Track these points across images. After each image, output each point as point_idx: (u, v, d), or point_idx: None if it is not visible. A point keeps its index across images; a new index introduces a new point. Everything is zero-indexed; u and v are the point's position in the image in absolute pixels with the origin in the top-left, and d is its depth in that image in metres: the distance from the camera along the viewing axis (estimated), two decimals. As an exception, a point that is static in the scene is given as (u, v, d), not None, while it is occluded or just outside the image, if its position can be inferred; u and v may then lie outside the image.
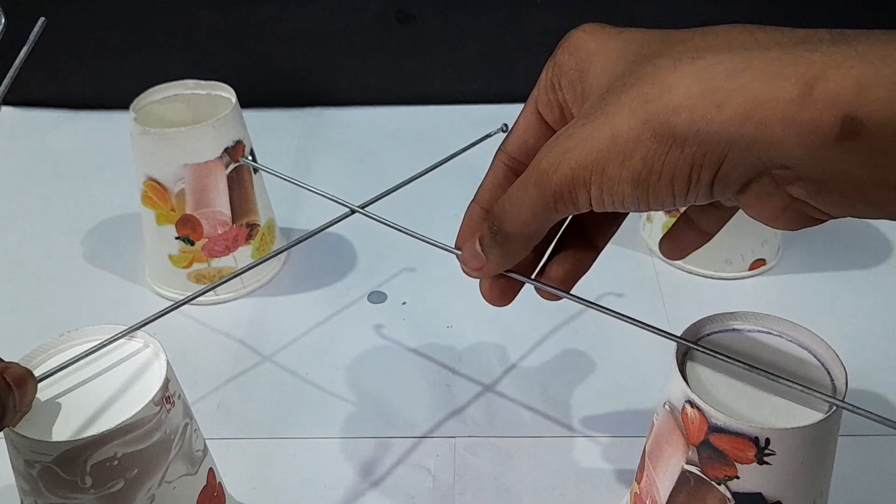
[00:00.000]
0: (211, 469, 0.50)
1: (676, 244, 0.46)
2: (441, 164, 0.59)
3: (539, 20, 0.98)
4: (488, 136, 0.60)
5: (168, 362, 0.45)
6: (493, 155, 0.43)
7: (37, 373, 0.42)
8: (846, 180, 0.29)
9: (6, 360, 0.42)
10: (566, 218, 0.42)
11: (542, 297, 0.44)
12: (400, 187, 0.57)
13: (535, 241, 0.39)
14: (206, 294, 0.74)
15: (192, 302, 0.72)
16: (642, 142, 0.31)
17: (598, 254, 0.44)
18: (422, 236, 0.50)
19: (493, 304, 0.44)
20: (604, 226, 0.44)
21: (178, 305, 0.48)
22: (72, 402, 0.43)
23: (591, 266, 0.44)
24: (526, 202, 0.36)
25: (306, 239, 0.53)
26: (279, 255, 0.78)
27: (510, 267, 0.42)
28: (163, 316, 0.47)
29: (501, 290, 0.44)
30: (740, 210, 0.75)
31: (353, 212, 0.54)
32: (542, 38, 0.98)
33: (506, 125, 0.62)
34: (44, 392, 0.43)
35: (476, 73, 1.02)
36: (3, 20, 0.51)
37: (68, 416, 0.42)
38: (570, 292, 0.44)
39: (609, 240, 0.44)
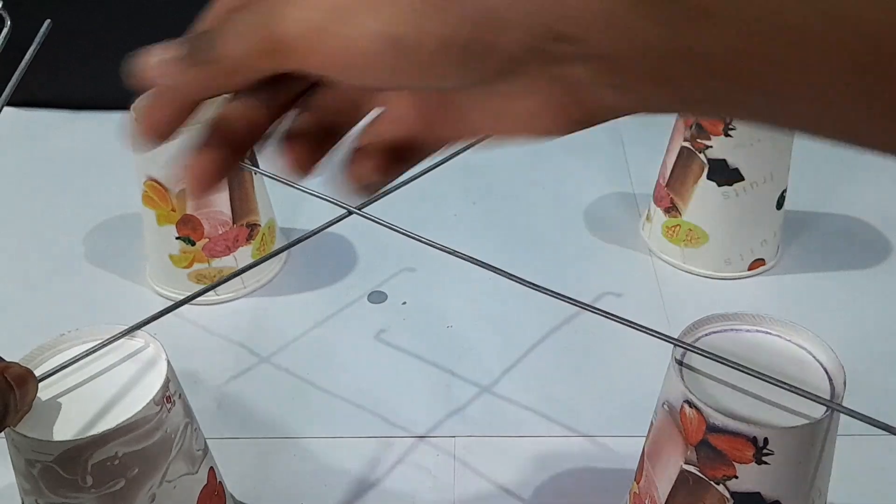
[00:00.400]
0: (211, 468, 0.50)
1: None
2: (441, 163, 0.59)
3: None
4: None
5: (168, 362, 0.45)
6: None
7: (37, 372, 0.43)
8: (643, 51, 0.23)
9: (7, 360, 0.42)
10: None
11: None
12: (399, 187, 0.57)
13: (245, 81, 0.30)
14: (207, 294, 0.74)
15: (193, 302, 0.72)
16: None
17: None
18: (419, 237, 0.50)
19: (197, 190, 0.33)
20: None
21: (178, 305, 0.48)
22: (72, 402, 0.43)
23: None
24: (248, 29, 0.28)
25: (306, 239, 0.53)
26: (279, 255, 0.79)
27: (200, 97, 0.31)
28: (163, 316, 0.47)
29: (209, 168, 0.33)
30: (739, 210, 0.74)
31: (350, 213, 0.54)
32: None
33: None
34: (44, 392, 0.43)
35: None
36: (8, 23, 0.52)
37: (69, 415, 0.42)
38: (568, 295, 0.44)
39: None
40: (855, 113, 0.22)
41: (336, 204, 0.57)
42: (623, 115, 0.27)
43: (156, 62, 0.30)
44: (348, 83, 0.28)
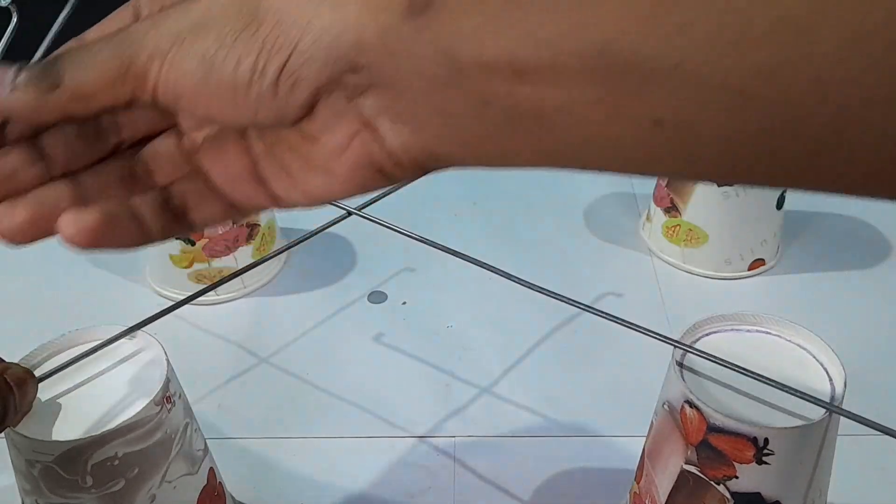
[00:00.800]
0: (211, 468, 0.50)
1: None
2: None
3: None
4: None
5: (168, 362, 0.45)
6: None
7: (37, 373, 0.43)
8: (419, 80, 0.25)
9: (7, 360, 0.42)
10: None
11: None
12: (399, 188, 0.57)
13: (84, 109, 0.29)
14: (207, 294, 0.74)
15: (193, 302, 0.72)
16: (227, 17, 0.27)
17: None
18: (419, 236, 0.50)
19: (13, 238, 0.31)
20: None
21: (178, 305, 0.48)
22: (73, 402, 0.43)
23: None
24: (100, 56, 0.29)
25: (306, 239, 0.54)
26: (279, 256, 0.79)
27: (38, 123, 0.31)
28: (164, 316, 0.47)
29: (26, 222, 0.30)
30: (740, 210, 0.74)
31: (349, 213, 0.55)
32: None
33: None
34: (45, 392, 0.43)
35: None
36: (14, 18, 0.52)
37: (69, 415, 0.42)
38: (567, 296, 0.44)
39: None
40: (611, 131, 0.23)
41: (335, 205, 0.57)
42: (431, 166, 0.28)
43: None
44: (182, 113, 0.29)
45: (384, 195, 0.56)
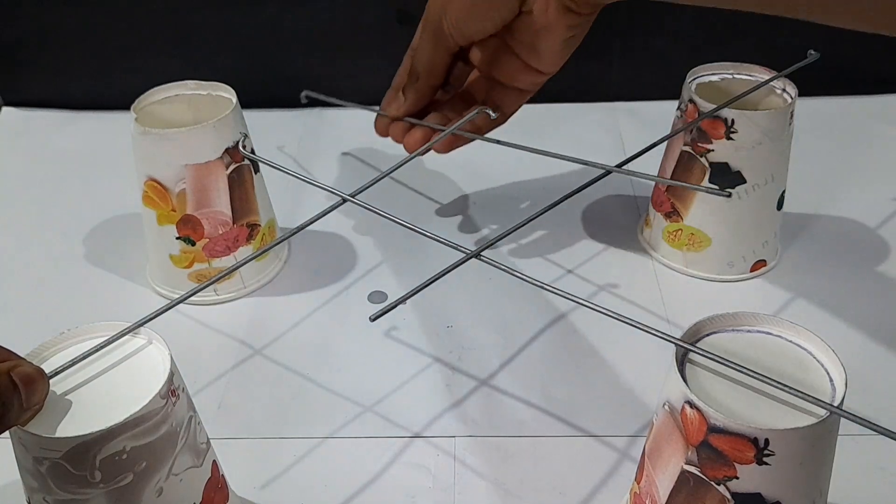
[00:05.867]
0: (214, 461, 0.50)
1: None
2: (427, 149, 0.64)
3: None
4: (475, 113, 0.66)
5: (171, 356, 0.45)
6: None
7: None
8: None
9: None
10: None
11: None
12: (390, 172, 0.59)
13: (439, 76, 0.61)
14: (208, 294, 0.74)
15: (194, 302, 0.73)
16: None
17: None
18: (414, 226, 0.50)
19: (410, 148, 0.66)
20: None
21: (180, 301, 0.49)
22: (78, 398, 0.43)
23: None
24: (423, 43, 0.57)
25: (304, 227, 0.55)
26: (279, 256, 0.79)
27: (422, 104, 0.65)
28: (165, 312, 0.47)
29: (418, 136, 0.65)
30: (742, 212, 0.74)
31: (344, 200, 0.55)
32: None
33: (484, 108, 0.64)
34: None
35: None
36: None
37: (75, 411, 0.42)
38: (575, 295, 0.45)
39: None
40: None
41: (331, 192, 0.58)
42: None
43: (385, 121, 0.67)
44: (465, 36, 0.59)
45: (374, 182, 0.57)
